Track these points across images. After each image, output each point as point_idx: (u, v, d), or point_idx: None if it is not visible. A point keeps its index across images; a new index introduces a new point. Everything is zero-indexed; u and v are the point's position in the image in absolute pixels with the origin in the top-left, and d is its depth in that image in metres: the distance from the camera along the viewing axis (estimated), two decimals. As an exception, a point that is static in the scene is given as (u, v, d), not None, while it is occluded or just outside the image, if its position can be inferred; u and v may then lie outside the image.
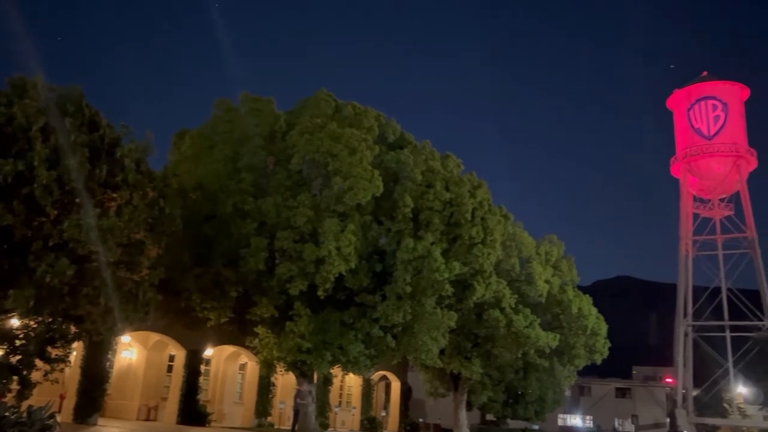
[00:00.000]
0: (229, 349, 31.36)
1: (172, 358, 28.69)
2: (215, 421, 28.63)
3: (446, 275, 24.37)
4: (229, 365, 32.35)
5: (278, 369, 28.42)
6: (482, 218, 26.20)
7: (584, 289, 40.53)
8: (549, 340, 32.58)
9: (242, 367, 33.01)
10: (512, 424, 48.10)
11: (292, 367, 26.41)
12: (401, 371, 43.97)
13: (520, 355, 34.45)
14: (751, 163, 60.26)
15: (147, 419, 27.02)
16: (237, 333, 27.60)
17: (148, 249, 18.49)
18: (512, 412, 43.25)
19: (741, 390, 58.15)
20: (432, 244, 24.56)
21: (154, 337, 27.20)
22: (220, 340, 29.10)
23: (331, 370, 29.20)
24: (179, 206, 20.77)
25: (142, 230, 18.24)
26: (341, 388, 40.52)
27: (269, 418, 31.67)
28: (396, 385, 44.93)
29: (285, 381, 32.58)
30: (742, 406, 59.03)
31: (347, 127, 25.12)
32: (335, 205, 24.21)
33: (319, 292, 23.92)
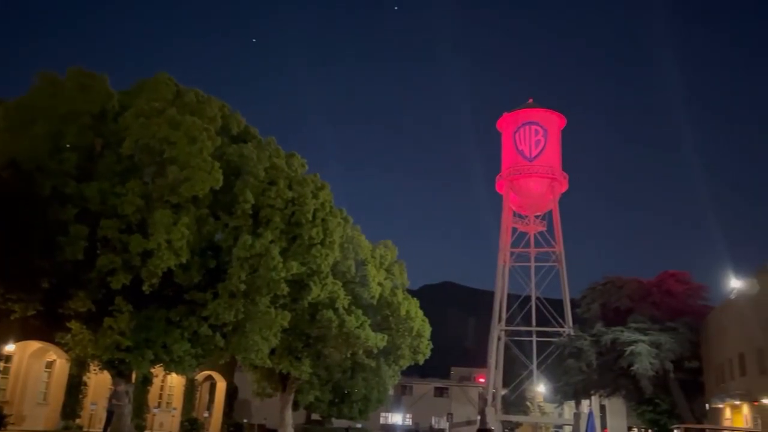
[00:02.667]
0: (34, 345, 28.36)
1: (-38, 354, 25.32)
2: (13, 424, 25.73)
3: (283, 274, 24.12)
4: (34, 363, 29.20)
5: (92, 368, 26.27)
6: (323, 219, 26.33)
7: (413, 293, 42.36)
8: (378, 340, 33.55)
9: (50, 365, 30.01)
10: (336, 423, 48.90)
11: (108, 365, 24.53)
12: (228, 371, 42.76)
13: (349, 355, 35.11)
14: (563, 185, 67.25)
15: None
16: (46, 327, 25.06)
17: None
18: (337, 411, 43.93)
19: (542, 390, 64.31)
20: (271, 242, 24.17)
21: (-59, 330, 23.83)
22: (25, 335, 26.28)
23: (152, 370, 27.55)
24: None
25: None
26: (162, 388, 38.41)
27: (78, 420, 29.13)
28: (222, 385, 43.59)
29: (99, 381, 30.21)
30: (541, 404, 65.43)
31: (188, 115, 23.90)
32: (169, 195, 22.87)
33: (144, 287, 22.52)
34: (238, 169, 25.53)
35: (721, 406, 33.36)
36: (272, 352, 29.84)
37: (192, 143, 22.76)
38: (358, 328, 31.94)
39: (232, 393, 43.85)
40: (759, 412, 27.46)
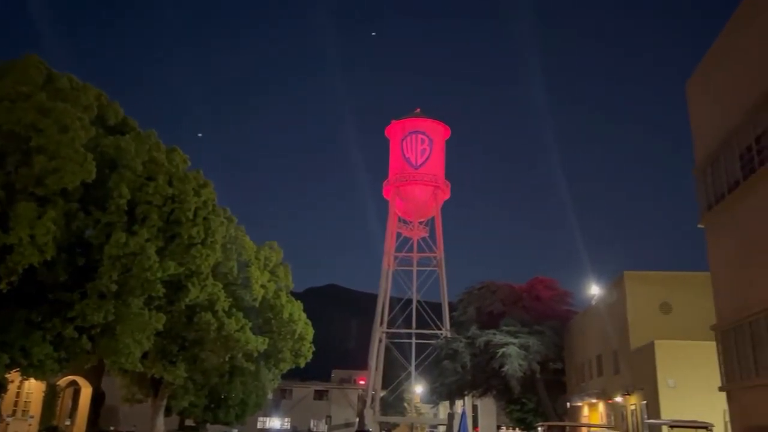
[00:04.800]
0: None
1: None
2: None
3: (159, 275, 23.13)
4: None
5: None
6: (205, 218, 25.54)
7: (297, 296, 42.03)
8: (259, 344, 32.97)
9: None
10: (211, 428, 47.37)
11: (-46, 371, 22.30)
12: (95, 376, 40.14)
13: (227, 359, 34.21)
14: (446, 194, 69.71)
15: None
16: None
17: None
18: (213, 416, 42.60)
19: (419, 391, 66.07)
20: (147, 240, 23.09)
21: None
22: None
23: (7, 375, 25.36)
24: None
25: None
26: (18, 394, 35.36)
27: None
28: (87, 391, 40.85)
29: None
30: (418, 405, 67.21)
31: (60, 102, 22.32)
32: (34, 187, 21.21)
33: (1, 285, 20.70)
34: (114, 162, 24.17)
35: (580, 404, 35.98)
36: (145, 355, 28.45)
37: (63, 132, 21.27)
38: (238, 331, 31.21)
39: (98, 399, 41.24)
40: (612, 409, 29.92)
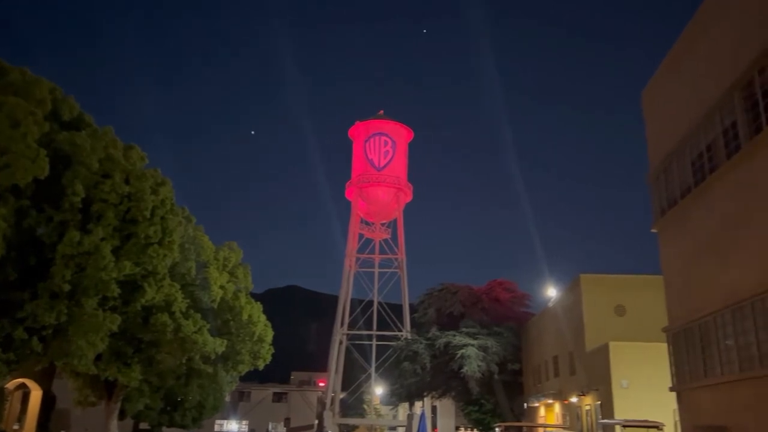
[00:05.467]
0: None
1: None
2: None
3: (114, 275, 22.60)
4: None
5: None
6: (162, 217, 25.04)
7: (257, 297, 41.57)
8: (217, 346, 32.47)
9: None
10: (167, 431, 46.46)
11: None
12: (45, 378, 38.87)
13: (184, 361, 33.60)
14: (408, 196, 70.05)
15: None
16: None
17: None
18: (169, 419, 41.80)
19: (379, 392, 66.15)
20: (102, 239, 22.54)
21: None
22: None
23: (-48, 378, 24.45)
24: None
25: None
26: (-38, 398, 34.06)
27: None
28: (37, 394, 39.52)
29: None
30: (377, 406, 67.28)
31: (11, 96, 21.61)
32: (-16, 183, 20.52)
33: (-53, 284, 19.96)
34: (69, 158, 23.52)
35: (537, 404, 36.56)
36: (98, 357, 27.74)
37: (14, 127, 20.60)
38: (195, 332, 30.67)
39: (48, 402, 39.97)
40: (567, 409, 30.50)
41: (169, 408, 41.10)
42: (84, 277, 22.16)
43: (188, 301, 31.09)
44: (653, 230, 18.34)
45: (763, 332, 12.45)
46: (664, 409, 19.83)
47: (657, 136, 18.53)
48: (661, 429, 18.06)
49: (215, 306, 34.87)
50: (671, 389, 17.02)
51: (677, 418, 17.66)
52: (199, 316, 31.55)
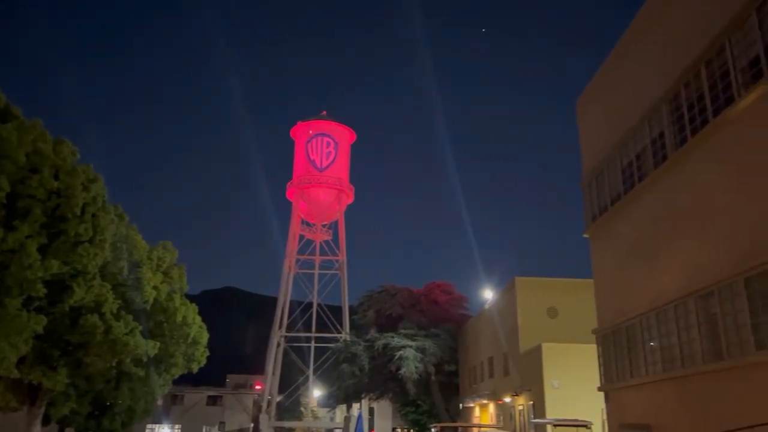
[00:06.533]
0: None
1: None
2: None
3: (41, 274, 21.59)
4: None
5: None
6: (94, 215, 24.12)
7: (192, 298, 40.62)
8: (149, 348, 31.57)
9: None
10: (95, 437, 44.78)
11: None
12: (-38, 383, 36.79)
13: (114, 364, 32.48)
14: (350, 197, 70.11)
15: None
16: None
17: None
18: (96, 424, 40.29)
19: (316, 394, 65.81)
20: (28, 237, 21.50)
21: None
22: None
23: None
24: None
25: None
26: None
27: None
28: (-48, 400, 37.34)
29: None
30: (315, 409, 66.93)
31: (-70, 83, 20.38)
32: None
33: None
34: (-7, 151, 22.32)
35: (472, 405, 37.24)
36: (22, 360, 26.46)
37: (-68, 116, 19.42)
38: (126, 334, 29.69)
39: (-35, 409, 37.81)
40: (501, 409, 31.18)
41: (97, 413, 39.62)
42: (7, 275, 21.09)
43: (119, 302, 30.09)
44: (585, 235, 19.00)
45: (685, 334, 13.09)
46: (593, 408, 20.54)
47: (590, 144, 19.23)
48: (589, 428, 18.71)
49: (148, 307, 33.88)
50: (599, 389, 17.66)
51: (604, 417, 18.34)
52: (130, 317, 30.59)
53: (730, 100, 11.66)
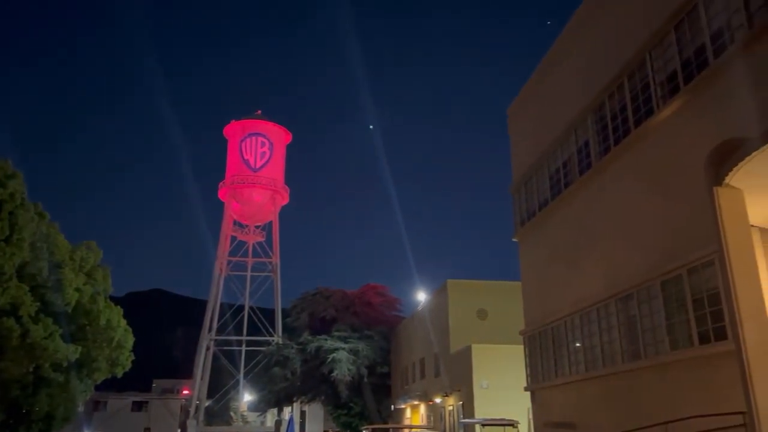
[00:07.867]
0: None
1: None
2: None
3: (-50, 274, 20.34)
4: None
5: None
6: (11, 213, 23.00)
7: (117, 300, 39.18)
8: (69, 352, 30.25)
9: None
10: (9, 447, 42.39)
11: None
12: None
13: (31, 369, 30.92)
14: (285, 198, 69.32)
15: None
16: None
17: None
18: (11, 433, 38.21)
19: (247, 398, 64.69)
20: (-64, 235, 20.22)
21: None
22: None
23: None
24: None
25: None
26: None
27: None
28: None
29: None
30: (245, 413, 65.76)
31: None
32: None
33: None
34: None
35: (403, 406, 37.55)
36: (-74, 367, 24.83)
37: None
38: (45, 338, 28.39)
39: None
40: (432, 410, 31.60)
41: (12, 421, 37.50)
42: None
43: (38, 304, 28.73)
44: (514, 239, 19.53)
45: (607, 335, 13.67)
46: (520, 407, 21.10)
47: (520, 150, 19.80)
48: (516, 427, 19.20)
49: (70, 310, 32.49)
50: (526, 389, 18.18)
51: (530, 415, 18.88)
52: (50, 320, 29.27)
53: (650, 112, 12.28)
